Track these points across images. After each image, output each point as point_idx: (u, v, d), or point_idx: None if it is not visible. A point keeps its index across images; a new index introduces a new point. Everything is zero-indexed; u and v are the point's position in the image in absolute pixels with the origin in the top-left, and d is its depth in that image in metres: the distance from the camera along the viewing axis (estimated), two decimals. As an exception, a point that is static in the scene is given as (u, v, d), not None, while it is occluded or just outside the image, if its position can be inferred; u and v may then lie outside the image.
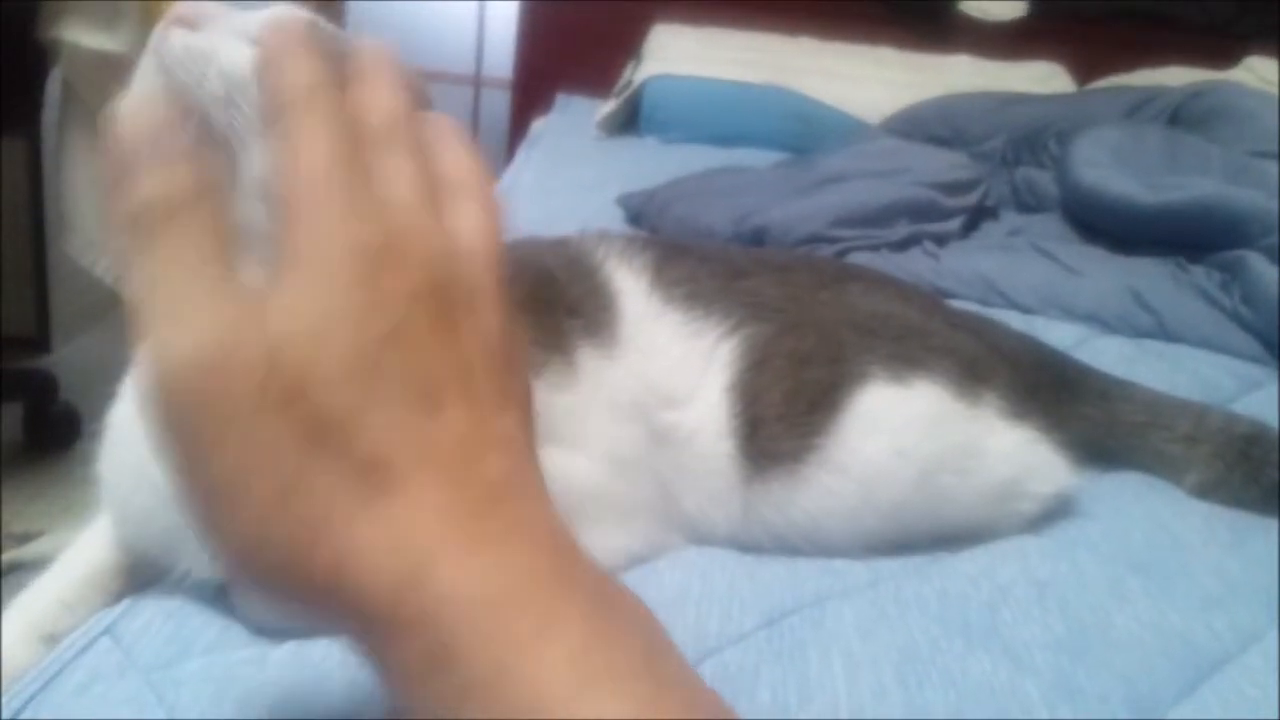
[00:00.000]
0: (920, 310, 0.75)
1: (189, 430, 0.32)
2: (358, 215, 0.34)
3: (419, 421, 0.33)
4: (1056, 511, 0.70)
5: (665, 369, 0.65)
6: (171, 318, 0.32)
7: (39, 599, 0.59)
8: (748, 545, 0.65)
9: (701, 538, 0.65)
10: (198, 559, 0.52)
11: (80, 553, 0.61)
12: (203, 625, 0.52)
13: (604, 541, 0.53)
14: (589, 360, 0.62)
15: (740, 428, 0.64)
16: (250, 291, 0.33)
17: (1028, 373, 0.74)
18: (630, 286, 0.67)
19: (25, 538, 1.64)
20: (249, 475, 0.31)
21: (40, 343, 2.29)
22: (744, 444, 0.64)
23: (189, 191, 0.33)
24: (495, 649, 0.30)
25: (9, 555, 1.54)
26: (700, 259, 0.72)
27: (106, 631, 0.52)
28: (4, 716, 0.46)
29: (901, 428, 0.65)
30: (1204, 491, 0.77)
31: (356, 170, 0.35)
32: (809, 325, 0.69)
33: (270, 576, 0.33)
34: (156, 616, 0.53)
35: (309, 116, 0.35)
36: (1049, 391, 0.75)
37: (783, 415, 0.64)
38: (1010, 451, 0.68)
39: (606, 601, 0.33)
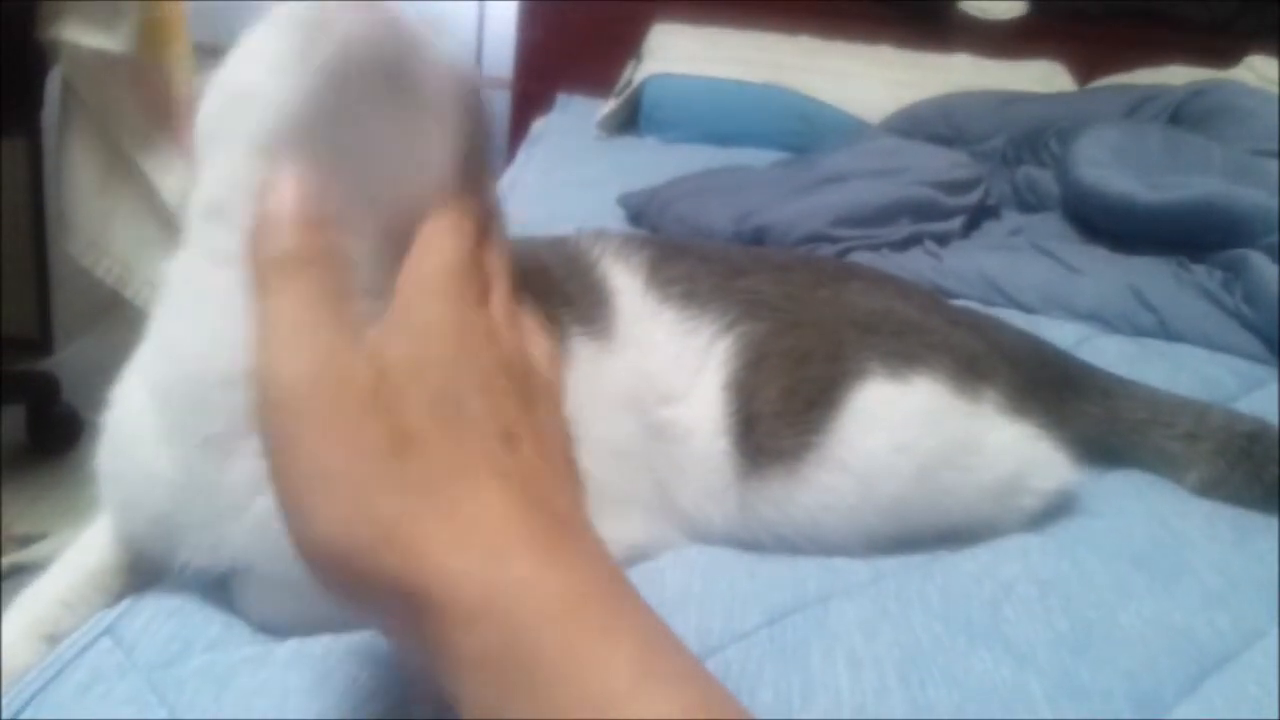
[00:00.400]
0: (920, 308, 0.75)
1: (294, 431, 0.37)
2: (465, 304, 0.41)
3: (498, 452, 0.37)
4: (1059, 509, 0.70)
5: (661, 365, 0.65)
6: (296, 339, 0.38)
7: (40, 599, 0.59)
8: (746, 543, 0.65)
9: (699, 534, 0.65)
10: (195, 549, 0.52)
11: (81, 552, 0.61)
12: (203, 624, 0.52)
13: (605, 533, 0.53)
14: (580, 349, 0.62)
15: (736, 425, 0.64)
16: (361, 329, 0.39)
17: (1028, 370, 0.74)
18: (625, 284, 0.67)
19: (27, 540, 1.64)
20: (340, 470, 0.36)
21: (42, 345, 2.29)
22: (740, 441, 0.64)
23: (323, 250, 0.40)
24: (564, 642, 0.32)
25: (12, 558, 1.54)
26: (699, 258, 0.73)
27: (107, 631, 0.52)
28: (5, 716, 0.46)
29: (900, 424, 0.65)
30: (1206, 489, 0.77)
31: (468, 277, 0.42)
32: (808, 323, 0.69)
33: (345, 564, 0.36)
34: (157, 616, 0.53)
35: (448, 228, 0.43)
36: (1050, 388, 0.75)
37: (780, 412, 0.64)
38: (1011, 447, 0.68)
39: (654, 617, 0.36)
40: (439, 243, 0.42)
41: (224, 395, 0.47)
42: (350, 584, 0.37)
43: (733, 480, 0.64)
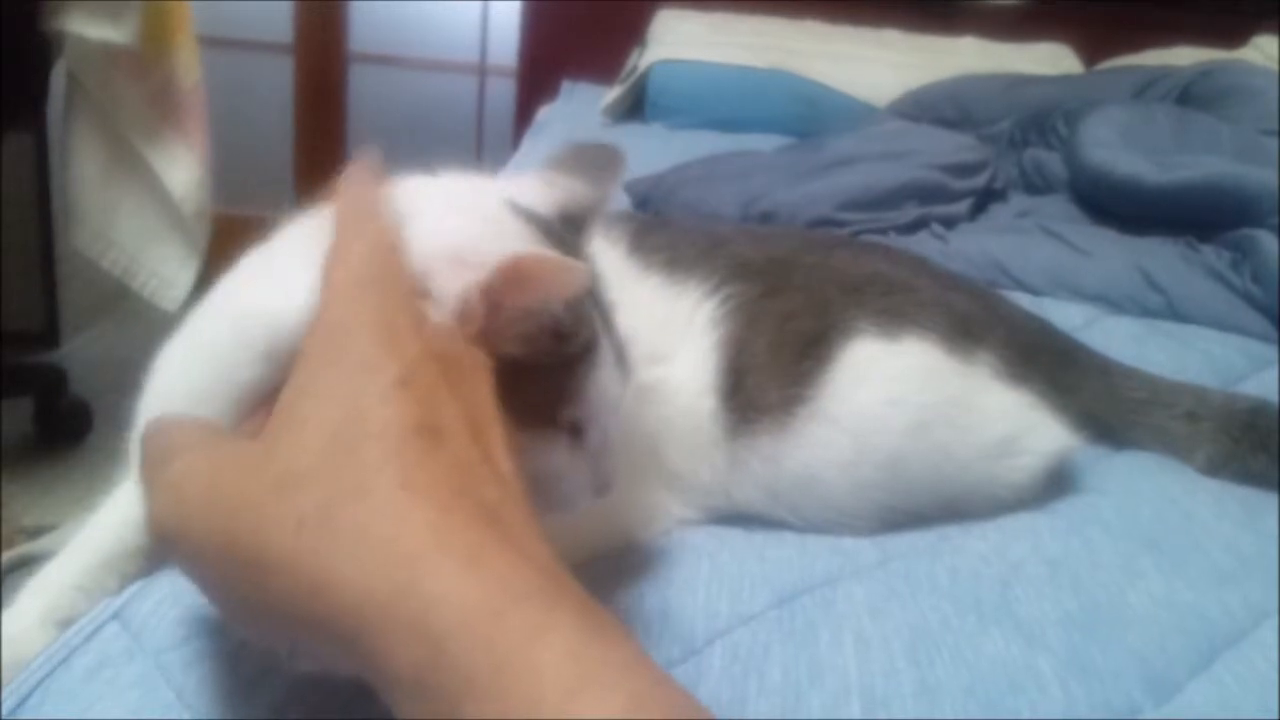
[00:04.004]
0: (910, 272, 0.75)
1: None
2: (385, 294, 0.41)
3: (412, 454, 0.36)
4: (1067, 489, 0.70)
5: (647, 327, 0.65)
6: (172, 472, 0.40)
7: (53, 584, 0.58)
8: (740, 504, 0.65)
9: (690, 496, 0.65)
10: None
11: (93, 536, 0.61)
12: (209, 606, 0.52)
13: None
14: None
15: (726, 381, 0.64)
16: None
17: (1026, 337, 0.74)
18: (605, 251, 0.67)
19: (37, 532, 1.65)
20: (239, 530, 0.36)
21: (49, 337, 2.29)
22: (730, 397, 0.64)
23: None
24: (490, 651, 0.31)
25: (21, 550, 1.55)
26: (680, 230, 0.74)
27: (115, 616, 0.52)
28: (13, 702, 0.46)
29: (892, 379, 0.65)
30: (1215, 467, 0.77)
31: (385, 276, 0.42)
32: (794, 286, 0.69)
33: (267, 626, 0.38)
34: (164, 600, 0.53)
35: (355, 238, 0.44)
36: (1048, 358, 0.75)
37: (768, 366, 0.64)
38: (1006, 409, 0.67)
39: (593, 611, 0.34)
40: (348, 247, 0.43)
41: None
42: (283, 635, 0.38)
43: (721, 438, 0.64)
